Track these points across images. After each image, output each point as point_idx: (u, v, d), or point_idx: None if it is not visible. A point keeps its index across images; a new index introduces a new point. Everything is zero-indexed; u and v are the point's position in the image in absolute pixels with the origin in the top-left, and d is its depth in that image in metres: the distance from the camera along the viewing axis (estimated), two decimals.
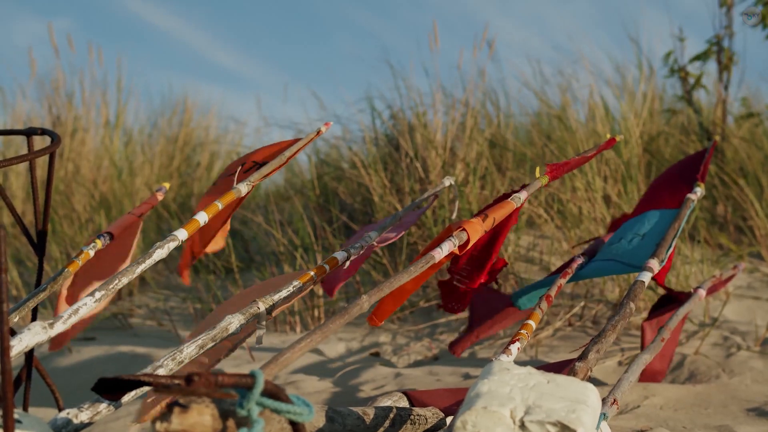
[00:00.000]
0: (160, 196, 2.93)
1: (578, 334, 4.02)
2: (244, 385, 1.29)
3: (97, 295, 1.93)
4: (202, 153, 7.68)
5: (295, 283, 2.31)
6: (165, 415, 1.27)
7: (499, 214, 2.45)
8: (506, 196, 2.68)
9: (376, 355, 4.05)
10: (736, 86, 5.96)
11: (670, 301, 3.11)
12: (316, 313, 4.54)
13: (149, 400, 1.92)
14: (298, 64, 14.17)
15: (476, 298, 3.32)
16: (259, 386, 1.29)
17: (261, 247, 5.70)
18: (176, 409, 1.28)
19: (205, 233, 2.80)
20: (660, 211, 2.83)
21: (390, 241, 2.84)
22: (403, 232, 2.91)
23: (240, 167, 2.73)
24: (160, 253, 2.20)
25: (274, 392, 1.33)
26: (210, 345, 1.91)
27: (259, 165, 2.68)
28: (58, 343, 2.79)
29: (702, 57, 5.80)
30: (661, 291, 4.02)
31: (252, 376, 1.30)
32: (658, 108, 6.61)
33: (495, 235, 2.68)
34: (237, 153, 7.69)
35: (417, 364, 3.90)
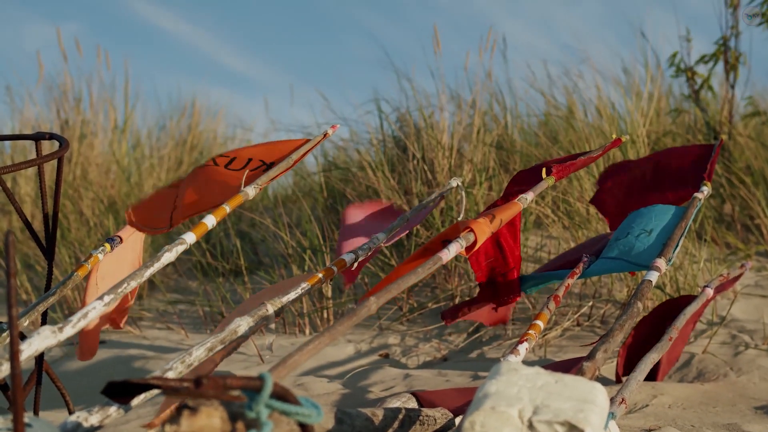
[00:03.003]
0: None
1: (587, 334, 4.03)
2: (253, 387, 1.30)
3: (106, 299, 1.94)
4: (210, 156, 7.69)
5: (304, 285, 2.32)
6: (174, 418, 1.28)
7: (506, 215, 2.46)
8: (510, 194, 2.70)
9: (385, 356, 4.06)
10: (742, 85, 5.96)
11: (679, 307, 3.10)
12: (325, 314, 4.55)
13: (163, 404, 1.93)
14: (305, 66, 14.17)
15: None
16: (268, 388, 1.30)
17: (269, 250, 5.71)
18: (185, 412, 1.29)
19: (190, 209, 2.74)
20: (667, 206, 2.83)
21: (392, 241, 2.86)
22: (403, 233, 2.92)
23: (241, 158, 2.74)
24: (169, 256, 2.21)
25: (282, 394, 1.34)
26: (219, 347, 1.92)
27: (267, 165, 2.69)
28: (87, 352, 2.79)
29: (710, 58, 5.80)
30: (668, 291, 4.02)
31: (260, 378, 1.30)
32: (665, 108, 6.61)
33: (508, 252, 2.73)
34: None
35: (426, 365, 3.91)
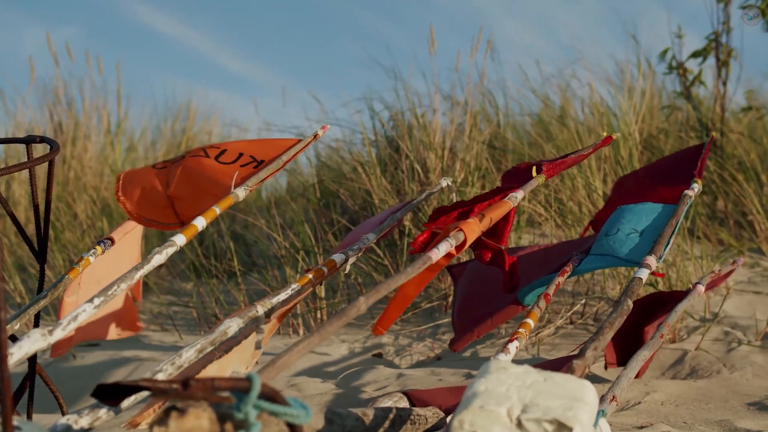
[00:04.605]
0: None
1: (580, 332, 4.03)
2: (241, 388, 1.30)
3: (96, 301, 1.95)
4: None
5: (294, 286, 2.32)
6: (162, 420, 1.29)
7: (495, 213, 2.46)
8: (500, 189, 2.69)
9: (379, 356, 4.06)
10: (734, 82, 5.96)
11: (665, 301, 3.11)
12: (318, 315, 4.55)
13: (146, 405, 1.93)
14: (301, 67, 14.16)
15: (461, 277, 3.33)
16: (256, 389, 1.30)
17: (263, 251, 5.71)
18: (173, 414, 1.29)
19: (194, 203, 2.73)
20: (657, 205, 2.84)
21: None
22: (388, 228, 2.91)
23: (231, 151, 2.74)
24: (159, 258, 2.22)
25: (271, 395, 1.34)
26: (209, 349, 1.93)
27: (258, 162, 2.69)
28: (57, 349, 2.79)
29: (701, 53, 5.81)
30: (661, 288, 4.03)
31: (248, 379, 1.31)
32: (657, 105, 6.62)
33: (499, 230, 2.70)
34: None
35: (419, 364, 3.91)
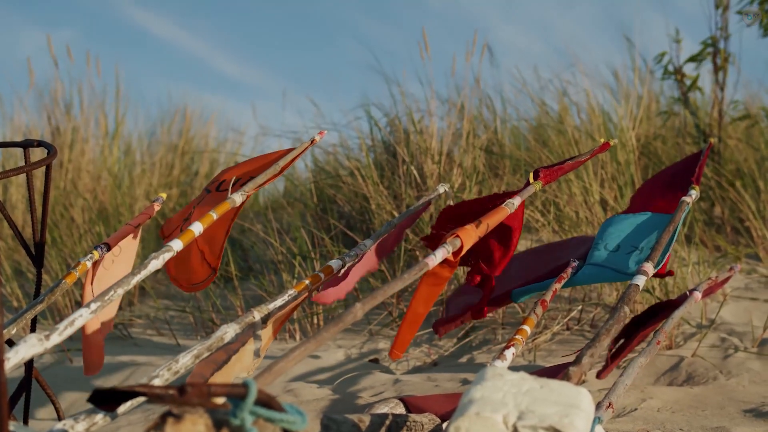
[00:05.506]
0: (157, 207, 2.95)
1: (576, 338, 4.03)
2: (237, 394, 1.30)
3: (93, 306, 1.95)
4: (201, 161, 7.70)
5: (291, 291, 2.32)
6: (158, 426, 1.29)
7: (492, 220, 2.46)
8: (498, 196, 2.69)
9: (375, 361, 4.06)
10: (732, 87, 5.97)
11: (663, 309, 3.11)
12: (315, 320, 4.55)
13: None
14: (298, 71, 14.19)
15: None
16: (252, 396, 1.31)
17: (259, 256, 5.71)
18: (169, 420, 1.29)
19: (212, 243, 2.77)
20: (656, 215, 2.84)
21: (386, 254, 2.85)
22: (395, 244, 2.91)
23: (229, 179, 2.74)
24: (156, 263, 2.21)
25: (266, 401, 1.34)
26: (206, 354, 1.93)
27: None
28: (92, 366, 2.74)
29: (697, 58, 5.81)
30: (658, 294, 4.03)
31: (244, 385, 1.31)
32: (655, 110, 6.63)
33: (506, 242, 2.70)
34: (236, 161, 7.70)
35: (416, 370, 3.91)
